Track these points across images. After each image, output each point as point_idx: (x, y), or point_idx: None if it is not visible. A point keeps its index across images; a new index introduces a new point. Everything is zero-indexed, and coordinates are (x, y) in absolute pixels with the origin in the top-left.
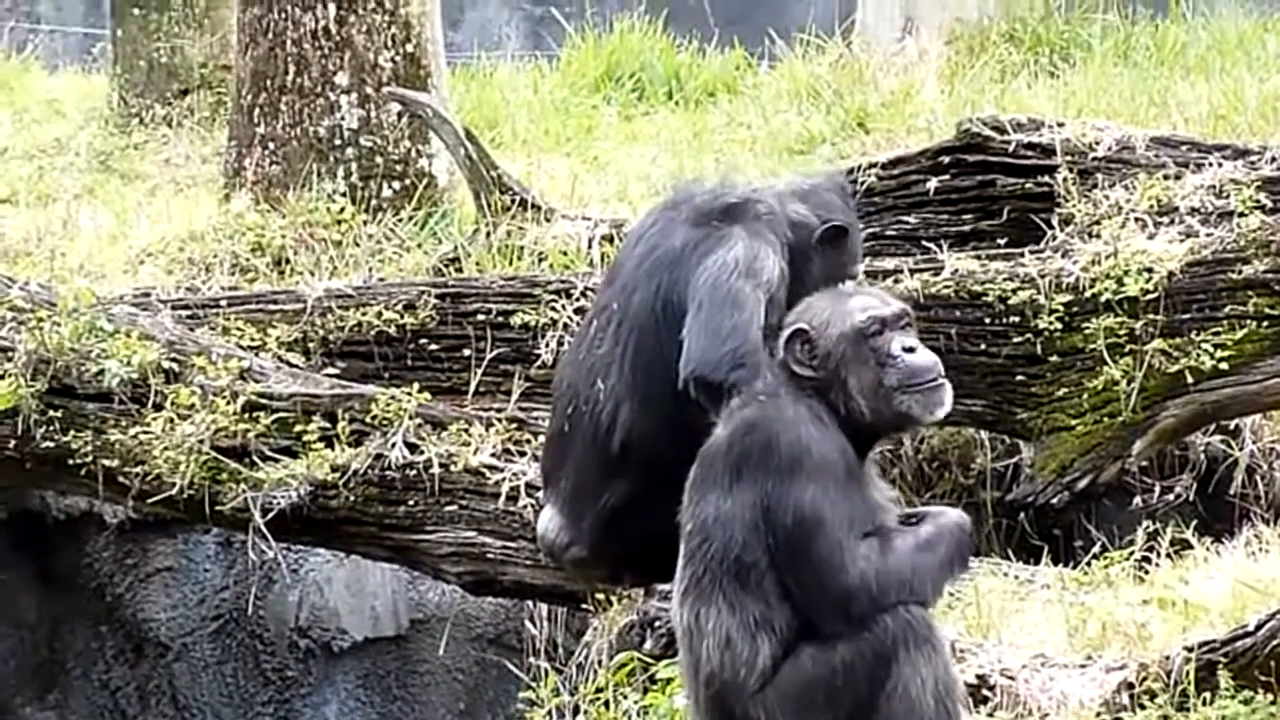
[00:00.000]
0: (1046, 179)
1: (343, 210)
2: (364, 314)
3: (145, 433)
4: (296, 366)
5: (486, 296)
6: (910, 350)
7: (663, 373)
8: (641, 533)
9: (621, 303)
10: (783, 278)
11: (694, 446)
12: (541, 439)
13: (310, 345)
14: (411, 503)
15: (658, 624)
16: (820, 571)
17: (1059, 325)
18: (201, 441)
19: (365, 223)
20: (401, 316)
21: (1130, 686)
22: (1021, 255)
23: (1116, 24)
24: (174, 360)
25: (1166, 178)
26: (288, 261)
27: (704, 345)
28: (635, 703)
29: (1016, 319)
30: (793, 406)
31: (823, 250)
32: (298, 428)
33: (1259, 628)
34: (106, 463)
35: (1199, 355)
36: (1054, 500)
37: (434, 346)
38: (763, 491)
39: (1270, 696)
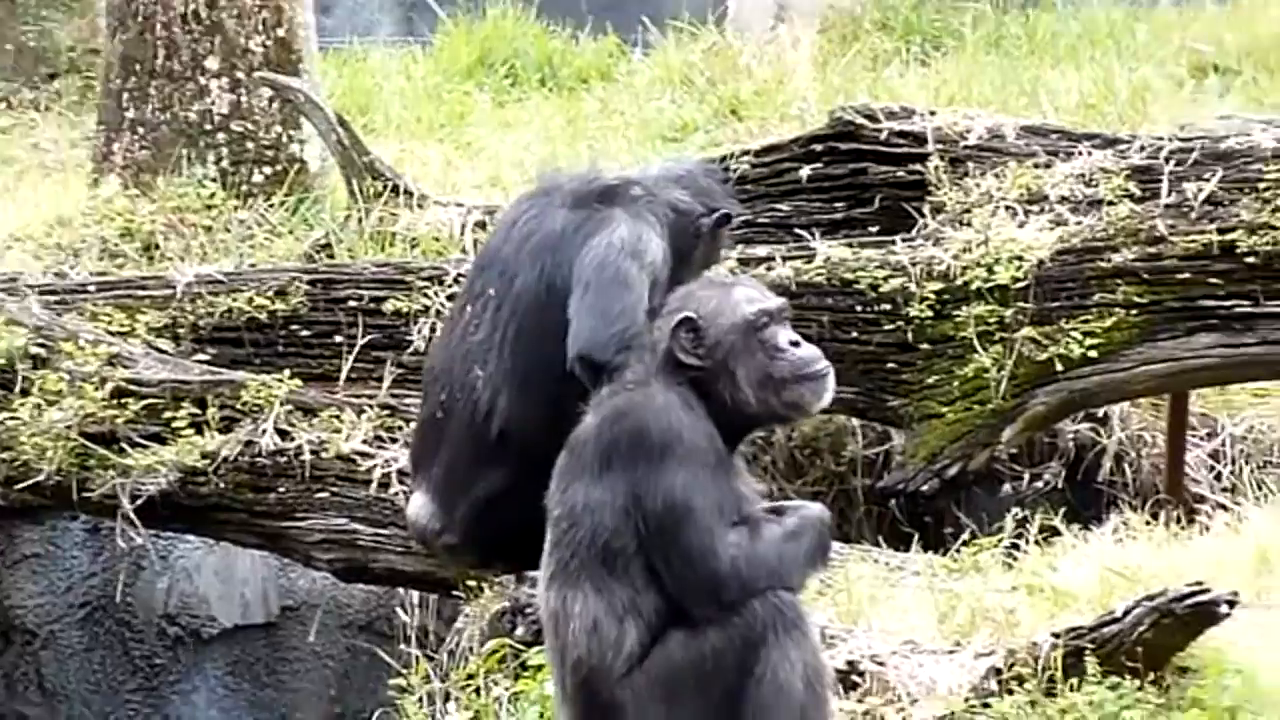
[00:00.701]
0: (918, 167)
1: (213, 195)
2: (234, 300)
3: (12, 419)
4: (166, 353)
5: (358, 283)
6: (796, 345)
7: (546, 357)
8: (515, 520)
9: (500, 288)
10: (666, 260)
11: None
12: (413, 425)
13: (180, 331)
14: (282, 489)
15: (529, 611)
16: (691, 557)
17: (930, 313)
18: (69, 428)
19: (236, 208)
20: (272, 303)
21: (998, 672)
22: (893, 243)
23: (988, 13)
24: (41, 346)
25: (1037, 166)
26: (157, 247)
27: (592, 325)
28: (506, 689)
29: (888, 306)
30: (663, 394)
31: (705, 235)
32: (167, 414)
33: (1126, 614)
34: None
35: (1068, 343)
36: (924, 487)
37: (305, 333)
38: (633, 478)
39: (1137, 682)
